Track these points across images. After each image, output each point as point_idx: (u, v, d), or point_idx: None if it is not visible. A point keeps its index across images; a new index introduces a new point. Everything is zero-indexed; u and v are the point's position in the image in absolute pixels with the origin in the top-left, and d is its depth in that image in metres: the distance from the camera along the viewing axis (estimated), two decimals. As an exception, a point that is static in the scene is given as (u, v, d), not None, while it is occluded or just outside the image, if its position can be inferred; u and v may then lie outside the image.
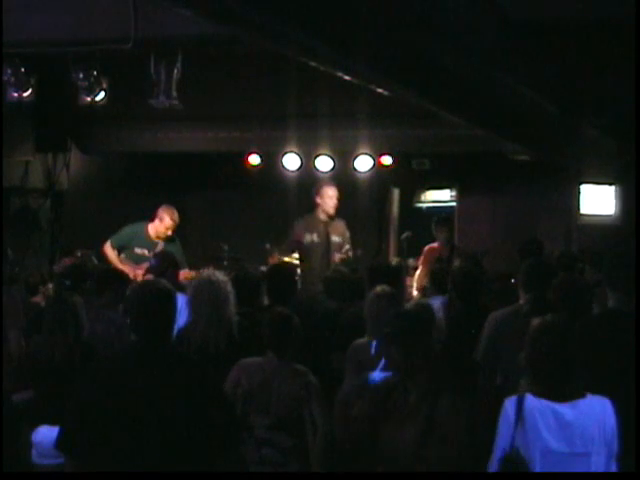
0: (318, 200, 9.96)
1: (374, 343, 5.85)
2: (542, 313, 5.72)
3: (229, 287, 6.01)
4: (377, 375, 5.80)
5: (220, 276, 6.06)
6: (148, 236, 9.80)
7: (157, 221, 9.79)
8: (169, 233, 9.78)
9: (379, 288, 6.15)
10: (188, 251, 12.19)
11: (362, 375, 5.83)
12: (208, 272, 6.15)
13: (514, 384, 5.72)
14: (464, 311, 6.90)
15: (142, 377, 4.19)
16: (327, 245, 9.80)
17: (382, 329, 5.84)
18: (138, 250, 9.74)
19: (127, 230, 9.89)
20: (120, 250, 9.75)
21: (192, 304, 6.02)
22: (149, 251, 9.66)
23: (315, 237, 9.86)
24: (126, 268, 9.56)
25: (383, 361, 5.81)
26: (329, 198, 9.92)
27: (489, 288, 7.49)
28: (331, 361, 6.43)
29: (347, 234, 10.02)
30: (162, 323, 4.29)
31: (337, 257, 9.63)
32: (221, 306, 5.95)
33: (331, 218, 9.95)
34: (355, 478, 5.73)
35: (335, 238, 9.86)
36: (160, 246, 9.66)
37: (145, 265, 9.38)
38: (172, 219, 9.77)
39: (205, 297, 5.94)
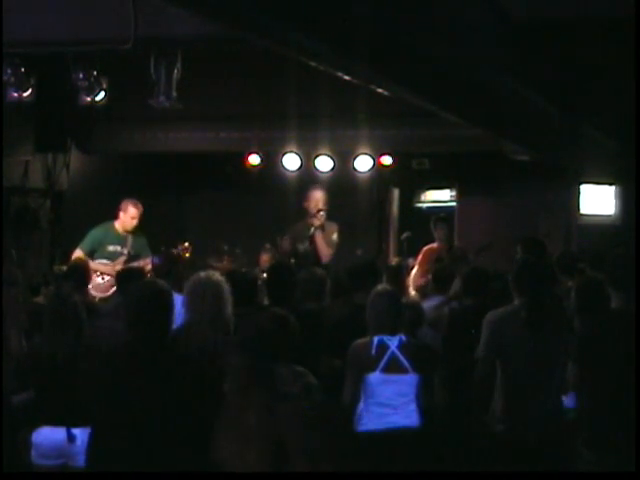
0: (305, 205, 9.91)
1: (375, 342, 5.86)
2: (539, 317, 5.74)
3: (226, 287, 6.00)
4: (378, 376, 5.81)
5: (217, 275, 6.06)
6: (117, 232, 10.01)
7: (121, 214, 9.99)
8: (135, 222, 9.97)
9: (380, 287, 6.16)
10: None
11: (362, 376, 5.84)
12: (205, 272, 6.14)
13: (513, 382, 5.75)
14: (471, 309, 6.90)
15: (138, 375, 4.20)
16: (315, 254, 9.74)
17: (383, 327, 5.87)
18: (111, 247, 9.95)
19: (94, 232, 10.07)
20: (91, 253, 9.88)
21: (189, 304, 6.01)
22: (121, 246, 9.94)
23: (307, 245, 9.82)
24: (101, 268, 9.66)
25: (384, 361, 5.82)
26: (314, 202, 9.85)
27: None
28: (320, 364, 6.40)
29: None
30: (158, 322, 4.29)
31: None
32: (219, 306, 5.94)
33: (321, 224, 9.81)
34: (356, 478, 5.74)
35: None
36: (130, 239, 9.95)
37: (121, 260, 9.79)
38: (135, 207, 9.97)
39: (203, 297, 5.93)
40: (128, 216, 9.95)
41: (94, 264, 9.73)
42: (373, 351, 5.83)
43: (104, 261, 9.83)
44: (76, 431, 5.55)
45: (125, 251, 9.93)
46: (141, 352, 4.25)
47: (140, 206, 10.01)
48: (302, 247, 9.76)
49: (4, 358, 6.09)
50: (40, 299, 8.37)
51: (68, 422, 5.56)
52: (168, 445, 4.14)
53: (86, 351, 5.80)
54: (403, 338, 5.90)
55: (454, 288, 7.64)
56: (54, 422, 5.64)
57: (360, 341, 5.95)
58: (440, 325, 7.21)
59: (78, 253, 9.82)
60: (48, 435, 5.65)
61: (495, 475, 5.68)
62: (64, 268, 9.18)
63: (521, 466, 5.62)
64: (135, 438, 4.14)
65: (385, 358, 5.82)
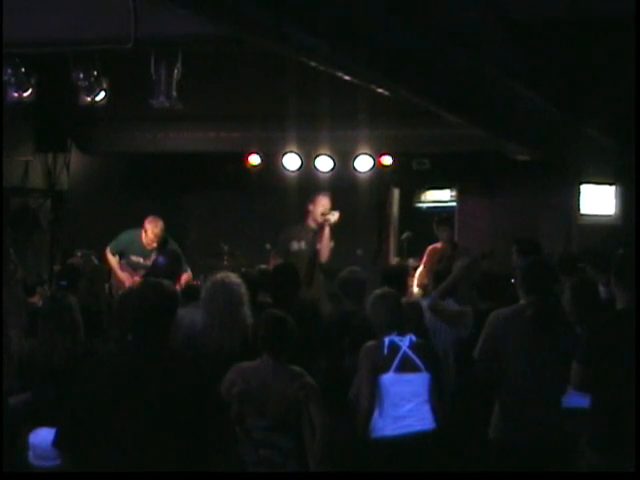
0: (310, 208, 9.91)
1: (386, 343, 5.86)
2: (547, 316, 5.74)
3: (243, 289, 6.03)
4: (392, 376, 5.81)
5: (234, 278, 6.08)
6: (142, 244, 9.94)
7: (143, 232, 9.95)
8: (154, 245, 9.87)
9: (379, 290, 6.17)
10: (188, 251, 12.25)
11: (376, 377, 5.84)
12: (222, 274, 6.17)
13: (515, 383, 5.75)
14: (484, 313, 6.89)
15: (138, 376, 4.19)
16: (313, 253, 9.75)
17: (389, 329, 5.88)
18: (134, 258, 9.95)
19: (123, 237, 10.07)
20: (120, 255, 9.93)
21: (206, 306, 6.02)
22: (144, 259, 9.84)
23: (303, 245, 9.83)
24: (125, 275, 9.66)
25: (397, 361, 5.82)
26: (322, 207, 9.86)
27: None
28: (342, 364, 6.42)
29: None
30: (162, 324, 4.27)
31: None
32: (236, 308, 5.96)
33: (320, 227, 9.83)
34: (354, 478, 5.74)
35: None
36: (155, 255, 9.65)
37: (142, 272, 9.58)
38: (153, 232, 9.88)
39: (220, 299, 5.95)
40: (147, 238, 9.89)
41: (116, 267, 9.87)
42: (385, 351, 5.84)
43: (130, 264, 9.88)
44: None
45: (148, 263, 9.62)
46: (144, 353, 4.24)
47: (159, 225, 9.88)
48: (297, 245, 9.76)
49: (4, 358, 6.09)
50: (36, 299, 8.37)
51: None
52: (166, 446, 4.13)
53: (84, 352, 5.81)
54: (413, 338, 5.93)
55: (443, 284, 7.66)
56: (52, 423, 5.62)
57: (371, 343, 5.95)
58: (460, 326, 7.19)
59: (108, 252, 9.93)
60: (46, 436, 5.63)
61: (497, 476, 5.68)
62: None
63: (523, 467, 5.62)
64: (133, 439, 4.13)
65: (398, 358, 5.83)
